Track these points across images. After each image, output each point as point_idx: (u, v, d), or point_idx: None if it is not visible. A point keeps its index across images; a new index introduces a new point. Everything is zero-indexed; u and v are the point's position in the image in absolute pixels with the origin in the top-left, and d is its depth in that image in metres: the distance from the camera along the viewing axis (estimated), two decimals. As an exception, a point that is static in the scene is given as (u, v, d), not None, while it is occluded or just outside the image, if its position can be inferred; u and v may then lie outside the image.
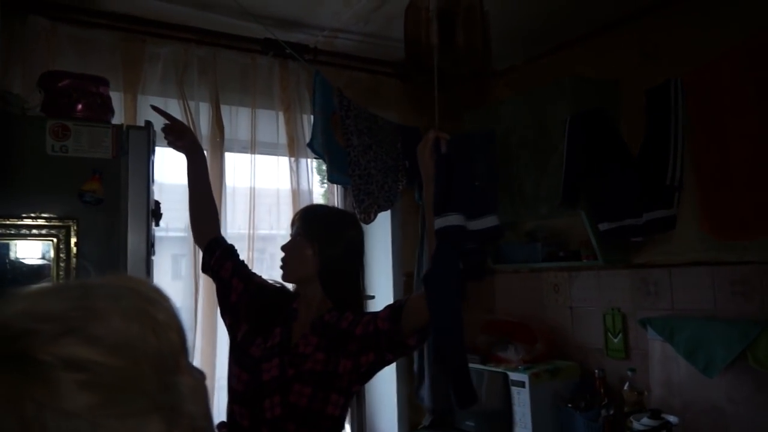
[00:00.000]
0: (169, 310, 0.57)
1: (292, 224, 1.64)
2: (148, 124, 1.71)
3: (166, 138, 1.76)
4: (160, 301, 0.57)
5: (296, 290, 1.62)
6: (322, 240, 1.57)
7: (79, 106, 1.61)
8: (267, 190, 2.75)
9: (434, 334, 1.63)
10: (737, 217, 1.85)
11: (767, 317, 2.08)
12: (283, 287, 1.66)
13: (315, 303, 1.58)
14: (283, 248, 1.61)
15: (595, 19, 2.61)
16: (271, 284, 1.66)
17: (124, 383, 0.48)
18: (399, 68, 3.00)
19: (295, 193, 2.67)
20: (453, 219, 1.52)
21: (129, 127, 1.67)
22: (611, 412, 2.38)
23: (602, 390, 2.50)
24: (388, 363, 1.55)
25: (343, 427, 1.55)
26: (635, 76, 2.48)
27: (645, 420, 2.12)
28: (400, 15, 2.39)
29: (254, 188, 2.65)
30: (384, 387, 3.02)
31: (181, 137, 1.78)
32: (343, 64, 2.91)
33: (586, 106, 2.40)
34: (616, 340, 2.59)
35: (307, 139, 2.49)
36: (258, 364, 1.49)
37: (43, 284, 0.55)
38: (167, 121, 1.77)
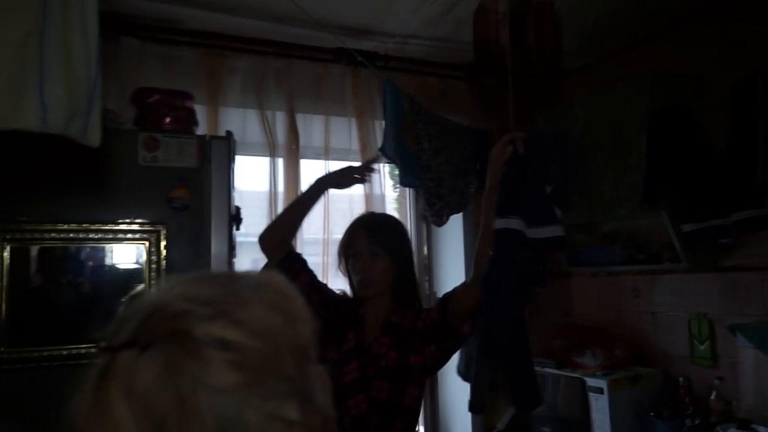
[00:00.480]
0: (301, 305, 0.61)
1: (351, 238, 1.67)
2: (229, 133, 1.81)
3: (355, 177, 1.85)
4: (293, 296, 0.61)
5: (361, 296, 1.67)
6: (396, 251, 1.65)
7: (167, 120, 1.73)
8: (341, 195, 2.81)
9: (487, 334, 1.63)
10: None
11: None
12: (346, 295, 1.73)
13: (383, 307, 1.66)
14: (365, 269, 1.63)
15: (674, 13, 2.51)
16: (339, 294, 1.74)
17: (268, 366, 0.52)
18: (469, 71, 3.00)
19: (369, 197, 2.73)
20: (515, 223, 1.51)
21: (212, 137, 1.77)
22: (697, 422, 2.27)
23: (687, 399, 2.39)
24: (451, 352, 1.64)
25: (418, 416, 1.65)
26: (718, 69, 2.37)
27: (732, 430, 2.01)
28: (469, 18, 2.40)
29: (328, 193, 2.72)
30: (458, 389, 3.02)
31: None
32: (413, 69, 2.94)
33: (666, 103, 2.31)
34: (702, 347, 2.47)
35: (380, 145, 2.54)
36: (338, 367, 1.58)
37: (196, 272, 0.60)
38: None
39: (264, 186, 2.66)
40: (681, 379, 2.44)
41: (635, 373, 2.53)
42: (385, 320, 1.65)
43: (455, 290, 1.63)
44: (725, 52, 2.38)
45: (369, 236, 1.64)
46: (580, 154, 2.69)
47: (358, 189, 2.78)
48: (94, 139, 0.94)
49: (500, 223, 1.51)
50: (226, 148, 1.76)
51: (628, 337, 2.76)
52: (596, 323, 2.90)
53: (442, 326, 1.58)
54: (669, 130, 2.19)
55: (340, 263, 1.72)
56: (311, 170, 2.82)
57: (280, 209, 2.55)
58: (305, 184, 2.73)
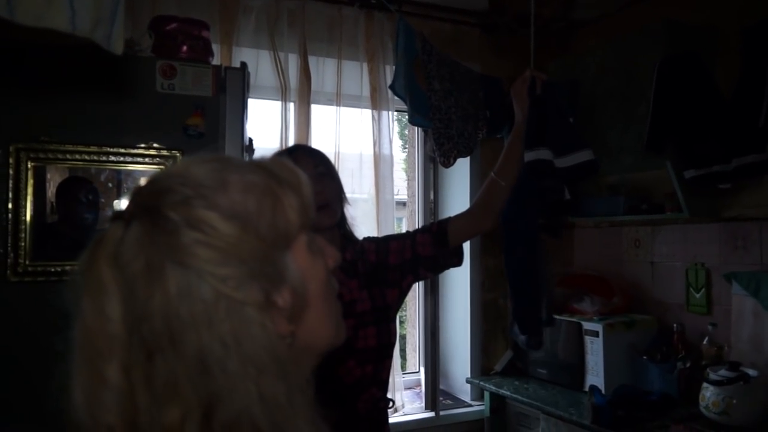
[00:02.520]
0: (298, 195, 0.62)
1: (302, 166, 1.56)
2: (243, 65, 1.85)
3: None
4: (293, 185, 0.63)
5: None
6: (336, 175, 1.58)
7: (184, 48, 1.77)
8: (349, 155, 2.85)
9: (507, 270, 1.70)
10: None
11: None
12: None
13: (335, 243, 1.53)
14: (319, 191, 1.44)
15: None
16: None
17: (229, 249, 0.56)
18: (482, 18, 3.00)
19: (377, 157, 2.77)
20: (544, 153, 1.56)
21: (227, 68, 1.81)
22: (688, 364, 2.36)
23: (680, 344, 2.48)
24: (426, 278, 1.64)
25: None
26: (732, 17, 2.36)
27: (723, 372, 2.09)
28: (484, -38, 2.41)
29: (339, 145, 2.77)
30: (457, 333, 3.12)
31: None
32: (427, 14, 2.94)
33: (679, 51, 2.31)
34: (698, 295, 2.54)
35: (390, 92, 2.56)
36: None
37: (203, 154, 0.63)
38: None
39: (275, 132, 2.71)
40: (675, 325, 2.52)
41: (631, 319, 2.61)
42: (343, 261, 1.55)
43: (448, 225, 1.60)
44: (741, 1, 2.37)
45: (312, 156, 1.54)
46: (590, 104, 2.71)
47: (367, 149, 2.81)
48: (118, 47, 0.99)
49: (530, 156, 1.56)
50: (241, 79, 1.80)
51: (627, 286, 2.83)
52: (597, 273, 2.97)
53: (433, 260, 1.57)
54: (677, 76, 2.21)
55: None
56: (322, 115, 2.86)
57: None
58: (316, 129, 2.77)
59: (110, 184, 1.68)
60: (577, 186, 1.76)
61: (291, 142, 2.66)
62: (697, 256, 2.57)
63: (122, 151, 1.67)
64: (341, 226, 1.60)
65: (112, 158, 1.66)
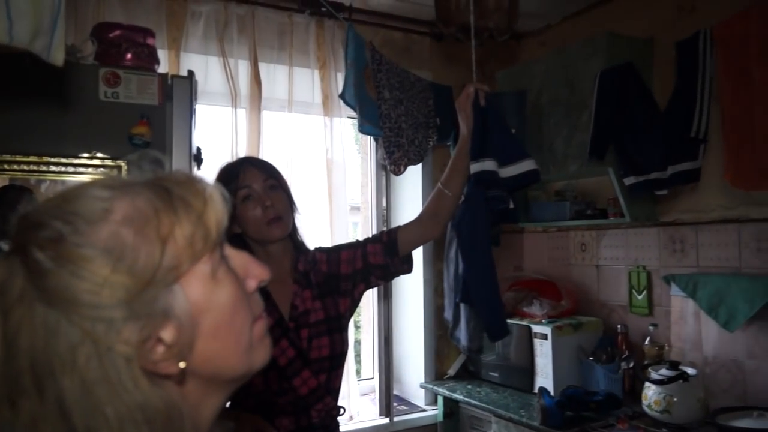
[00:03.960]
0: (197, 222, 0.57)
1: (236, 178, 1.49)
2: (191, 73, 1.82)
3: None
4: (192, 209, 0.57)
5: (268, 240, 1.53)
6: (287, 186, 1.59)
7: (129, 56, 1.73)
8: (303, 161, 2.82)
9: (468, 275, 1.74)
10: (759, 167, 1.87)
11: (791, 273, 2.10)
12: None
13: (287, 254, 1.58)
14: (271, 204, 1.49)
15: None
16: None
17: (101, 289, 0.51)
18: (432, 27, 3.04)
19: (330, 164, 2.76)
20: (488, 164, 1.61)
21: (173, 76, 1.78)
22: (631, 364, 2.44)
23: (624, 344, 2.57)
24: (376, 286, 1.69)
25: None
26: (670, 31, 2.47)
27: (663, 371, 2.17)
28: (433, -28, 2.45)
29: (291, 152, 2.74)
30: (410, 339, 3.15)
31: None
32: (378, 23, 2.96)
33: (619, 63, 2.41)
34: (640, 297, 2.64)
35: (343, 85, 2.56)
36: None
37: (90, 184, 0.58)
38: None
39: (225, 139, 2.67)
40: (619, 326, 2.61)
41: (578, 321, 2.69)
42: (295, 271, 1.56)
43: (398, 234, 1.62)
44: (676, 15, 2.49)
45: (260, 169, 1.52)
46: (537, 112, 2.78)
47: (320, 155, 2.79)
48: (58, 58, 0.96)
49: (476, 167, 1.60)
50: (188, 87, 1.77)
51: (574, 289, 2.92)
52: (545, 276, 3.05)
53: (384, 268, 1.60)
54: (616, 87, 2.30)
55: None
56: (273, 122, 2.84)
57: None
58: (267, 136, 2.75)
59: (50, 196, 1.62)
60: (518, 194, 1.83)
61: (241, 149, 2.63)
62: (639, 259, 2.67)
63: (63, 161, 1.62)
64: (293, 236, 1.61)
65: (53, 168, 1.61)
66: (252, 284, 0.64)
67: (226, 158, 2.43)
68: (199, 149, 1.89)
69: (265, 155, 2.69)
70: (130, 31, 1.76)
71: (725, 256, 2.32)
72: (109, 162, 1.66)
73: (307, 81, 2.82)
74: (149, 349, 0.53)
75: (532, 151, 2.74)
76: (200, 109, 2.15)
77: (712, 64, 2.04)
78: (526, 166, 1.62)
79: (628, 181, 2.31)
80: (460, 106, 1.67)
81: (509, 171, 1.62)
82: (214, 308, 0.58)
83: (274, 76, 2.80)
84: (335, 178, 2.80)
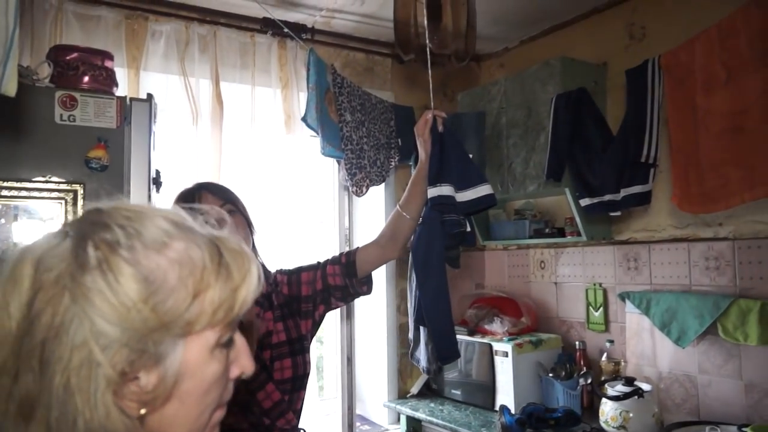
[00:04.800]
0: (231, 293, 0.59)
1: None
2: (150, 96, 1.81)
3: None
4: (232, 279, 0.59)
5: None
6: (244, 209, 1.58)
7: (86, 78, 1.71)
8: (266, 180, 2.81)
9: (421, 297, 1.76)
10: (703, 191, 1.95)
11: (737, 290, 2.19)
12: None
13: None
14: (236, 233, 1.46)
15: (588, 2, 2.69)
16: None
17: (121, 309, 0.54)
18: (394, 48, 3.09)
19: (293, 182, 2.75)
20: (446, 189, 1.64)
21: (132, 99, 1.76)
22: (589, 380, 2.50)
23: (582, 361, 2.62)
24: (336, 307, 1.67)
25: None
26: (622, 57, 2.57)
27: (619, 387, 2.23)
28: (394, -4, 2.49)
29: (253, 171, 2.74)
30: (373, 358, 3.15)
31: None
32: (340, 44, 2.99)
33: (574, 87, 2.49)
34: (596, 314, 2.70)
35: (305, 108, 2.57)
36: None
37: (162, 213, 0.60)
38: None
39: (186, 156, 2.65)
40: (578, 342, 2.67)
41: (537, 339, 2.74)
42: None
43: (356, 254, 1.64)
44: (627, 42, 2.59)
45: (217, 196, 1.51)
46: (496, 133, 2.85)
47: (283, 174, 2.77)
48: (11, 88, 0.96)
49: (433, 192, 1.63)
50: (147, 110, 1.76)
51: (534, 307, 2.97)
52: (506, 294, 3.10)
53: (343, 289, 1.62)
54: (570, 111, 2.38)
55: None
56: (235, 141, 2.82)
57: (201, 177, 2.57)
58: (228, 154, 2.74)
59: (2, 220, 1.59)
60: (479, 214, 1.87)
61: (203, 168, 2.61)
62: (596, 277, 2.74)
63: (16, 185, 1.58)
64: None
65: (5, 192, 1.58)
66: (235, 372, 0.65)
67: (182, 183, 2.42)
68: (158, 172, 1.88)
69: (226, 174, 2.68)
70: (88, 53, 1.74)
71: (676, 273, 2.41)
72: (64, 186, 1.63)
73: (269, 100, 2.82)
74: (124, 381, 0.55)
75: (492, 171, 2.83)
76: (161, 126, 2.13)
77: (661, 92, 2.13)
78: (483, 191, 1.65)
79: (584, 202, 2.38)
80: (418, 132, 1.70)
81: (466, 195, 1.65)
82: (197, 377, 0.59)
83: (236, 94, 2.79)
84: (298, 197, 2.80)
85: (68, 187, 1.63)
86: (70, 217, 1.62)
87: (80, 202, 1.63)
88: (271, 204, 2.81)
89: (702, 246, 2.32)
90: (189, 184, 1.57)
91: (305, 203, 2.90)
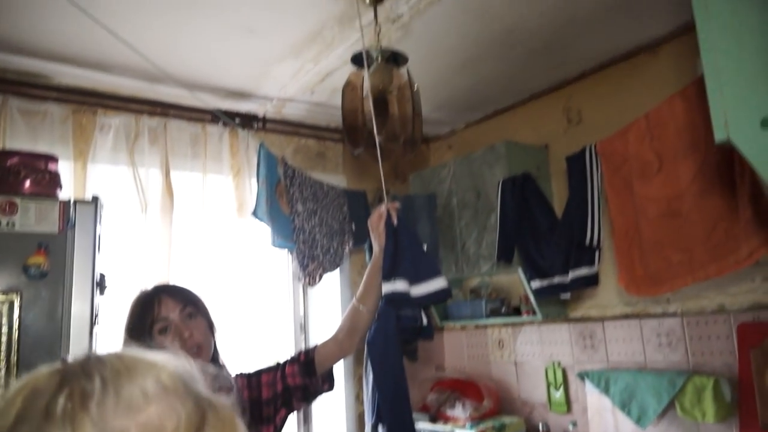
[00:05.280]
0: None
1: (151, 308, 1.42)
2: (96, 198, 1.77)
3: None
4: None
5: None
6: (207, 312, 1.51)
7: (27, 183, 1.67)
8: (217, 268, 2.76)
9: (378, 391, 1.71)
10: (648, 273, 2.01)
11: (690, 367, 2.22)
12: None
13: None
14: (190, 334, 1.41)
15: (527, 89, 2.82)
16: None
17: None
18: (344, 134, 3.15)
19: (247, 270, 2.71)
20: (400, 284, 1.62)
21: (77, 201, 1.72)
22: (555, 464, 2.45)
23: (546, 443, 2.58)
24: (299, 409, 1.61)
25: None
26: (563, 140, 2.69)
27: (584, 471, 2.19)
28: (342, 86, 2.57)
29: (204, 259, 2.69)
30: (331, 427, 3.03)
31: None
32: (292, 131, 3.04)
33: (519, 169, 2.58)
34: (558, 395, 2.68)
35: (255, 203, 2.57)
36: None
37: (156, 371, 0.57)
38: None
39: (135, 247, 2.58)
40: (541, 424, 2.63)
41: (500, 423, 2.69)
42: None
43: (315, 353, 1.60)
44: (566, 126, 2.71)
45: (177, 299, 1.46)
46: (448, 214, 2.89)
47: (235, 261, 2.73)
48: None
49: (387, 287, 1.61)
50: (92, 212, 1.72)
51: (495, 388, 2.93)
52: (466, 376, 3.06)
53: (304, 389, 1.57)
54: (516, 196, 2.45)
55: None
56: (186, 228, 2.78)
57: (151, 269, 2.50)
58: (179, 243, 2.68)
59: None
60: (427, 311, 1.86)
61: (152, 261, 2.54)
62: (554, 355, 2.74)
63: (-52, 297, 1.50)
64: (214, 360, 1.53)
65: (-65, 306, 1.49)
66: None
67: (131, 278, 2.35)
68: (102, 276, 1.81)
69: (176, 266, 2.62)
70: (31, 157, 1.71)
71: (631, 350, 2.43)
72: (0, 296, 1.55)
73: (221, 188, 2.81)
74: None
75: (446, 251, 2.85)
76: (107, 224, 2.08)
77: (600, 178, 2.22)
78: (437, 284, 1.64)
79: (535, 284, 2.41)
80: (372, 226, 1.70)
81: (420, 289, 1.64)
82: None
83: (187, 183, 2.77)
84: (251, 285, 2.74)
85: (3, 297, 1.55)
86: (5, 330, 1.54)
87: (16, 312, 1.55)
88: (225, 294, 2.74)
89: (653, 322, 2.36)
90: (147, 287, 1.50)
91: (259, 291, 2.85)
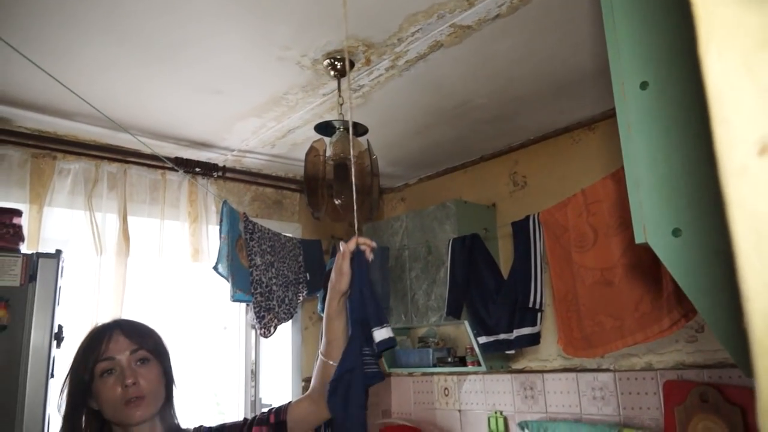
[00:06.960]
0: None
1: (99, 347, 1.26)
2: (59, 252, 1.80)
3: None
4: None
5: (127, 425, 1.25)
6: (165, 356, 1.36)
7: (-10, 237, 1.69)
8: (171, 312, 2.77)
9: None
10: (584, 336, 2.18)
11: (621, 420, 2.38)
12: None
13: None
14: (136, 381, 1.24)
15: (476, 150, 3.01)
16: None
17: None
18: (301, 184, 3.26)
19: (199, 314, 2.75)
20: (385, 331, 1.55)
21: (39, 254, 1.75)
22: None
23: (488, 492, 2.68)
24: None
25: None
26: (510, 201, 2.87)
27: None
28: (302, 142, 2.69)
29: (159, 303, 2.71)
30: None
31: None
32: (250, 180, 3.12)
33: (468, 227, 2.73)
34: (499, 443, 2.80)
35: (211, 249, 2.63)
36: None
37: None
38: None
39: (88, 288, 2.58)
40: (483, 473, 2.74)
41: (444, 470, 2.78)
42: None
43: (287, 412, 1.42)
44: (512, 187, 2.90)
45: (130, 338, 1.28)
46: (400, 265, 3.01)
47: (189, 305, 2.75)
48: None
49: (381, 335, 1.51)
50: (54, 266, 1.75)
51: (440, 435, 3.03)
52: (412, 422, 3.15)
53: None
54: (465, 255, 2.60)
55: (69, 395, 1.24)
56: (141, 273, 2.79)
57: (104, 312, 2.50)
58: (132, 286, 2.69)
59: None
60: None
61: (104, 302, 2.55)
62: (496, 405, 2.87)
63: None
64: (165, 416, 1.34)
65: None
66: None
67: (83, 319, 2.35)
68: (60, 327, 1.83)
69: (128, 308, 2.61)
70: (-5, 211, 1.74)
71: (568, 402, 2.58)
72: (-43, 351, 1.56)
73: (177, 234, 2.84)
74: None
75: (397, 301, 2.97)
76: (64, 257, 2.08)
77: (542, 244, 2.39)
78: (386, 333, 1.64)
79: (482, 339, 2.55)
80: (337, 267, 1.45)
81: (378, 335, 1.61)
82: None
83: (144, 228, 2.79)
84: (204, 330, 2.77)
85: (-39, 352, 1.56)
86: (-38, 385, 1.54)
87: (-26, 368, 1.56)
88: (176, 337, 2.76)
89: (588, 376, 2.53)
90: (106, 319, 1.36)
91: (210, 336, 2.88)
